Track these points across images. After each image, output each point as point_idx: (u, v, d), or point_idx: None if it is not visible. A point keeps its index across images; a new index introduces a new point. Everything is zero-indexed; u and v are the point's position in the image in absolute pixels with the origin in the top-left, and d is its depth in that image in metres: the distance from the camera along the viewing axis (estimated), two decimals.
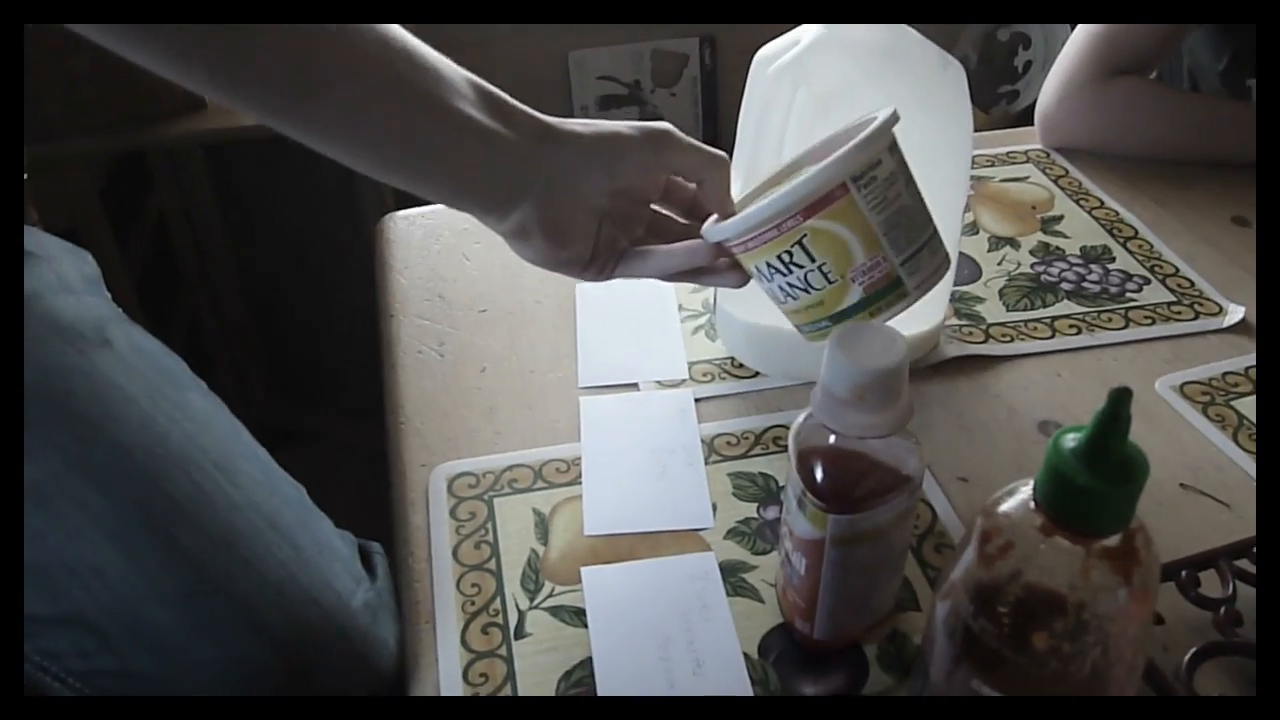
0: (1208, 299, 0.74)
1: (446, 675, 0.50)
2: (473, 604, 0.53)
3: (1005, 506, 0.34)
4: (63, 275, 0.57)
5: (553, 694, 0.49)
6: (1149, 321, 0.72)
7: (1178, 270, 0.77)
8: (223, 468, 0.52)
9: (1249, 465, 0.61)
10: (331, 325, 1.69)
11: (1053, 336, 0.71)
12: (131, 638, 0.49)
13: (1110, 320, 0.72)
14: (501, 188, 0.49)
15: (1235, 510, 0.58)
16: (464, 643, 0.52)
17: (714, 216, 0.54)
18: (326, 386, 1.75)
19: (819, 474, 0.45)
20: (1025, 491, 0.34)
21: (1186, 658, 0.49)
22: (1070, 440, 0.32)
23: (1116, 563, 0.32)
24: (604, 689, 0.49)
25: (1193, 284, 0.76)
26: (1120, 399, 0.30)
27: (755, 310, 0.64)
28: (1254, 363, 0.68)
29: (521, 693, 0.49)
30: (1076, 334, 0.71)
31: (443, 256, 0.81)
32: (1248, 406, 0.65)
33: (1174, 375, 0.67)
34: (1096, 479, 0.31)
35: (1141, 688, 0.49)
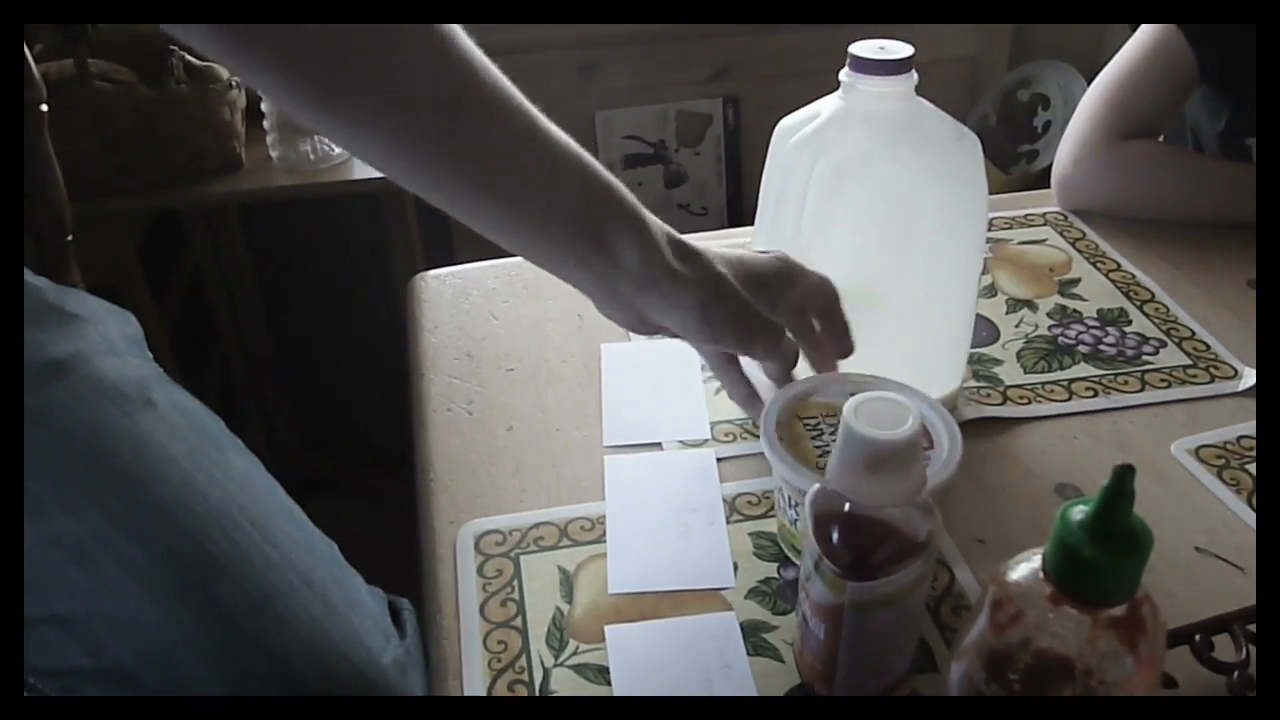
0: (1223, 362, 0.75)
1: None
2: (499, 661, 0.55)
3: (1015, 575, 0.35)
4: (107, 337, 0.59)
5: None
6: (1165, 385, 0.73)
7: (1194, 334, 0.78)
8: (260, 526, 0.54)
9: None
10: (360, 380, 1.73)
11: (1070, 399, 0.72)
12: (169, 689, 0.50)
13: (1126, 383, 0.73)
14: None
15: (1250, 574, 0.59)
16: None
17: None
18: (355, 439, 1.78)
19: (836, 541, 0.46)
20: (1035, 560, 0.35)
21: None
22: (1077, 513, 0.33)
23: (1123, 631, 0.34)
24: None
25: (1208, 347, 0.77)
26: (1124, 475, 0.32)
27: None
28: None
29: None
30: (1093, 396, 0.72)
31: (471, 315, 0.83)
32: None
33: (1189, 439, 0.68)
34: (1102, 551, 0.32)
35: None
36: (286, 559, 0.53)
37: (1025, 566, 0.35)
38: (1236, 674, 0.52)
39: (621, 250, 0.50)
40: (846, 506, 0.46)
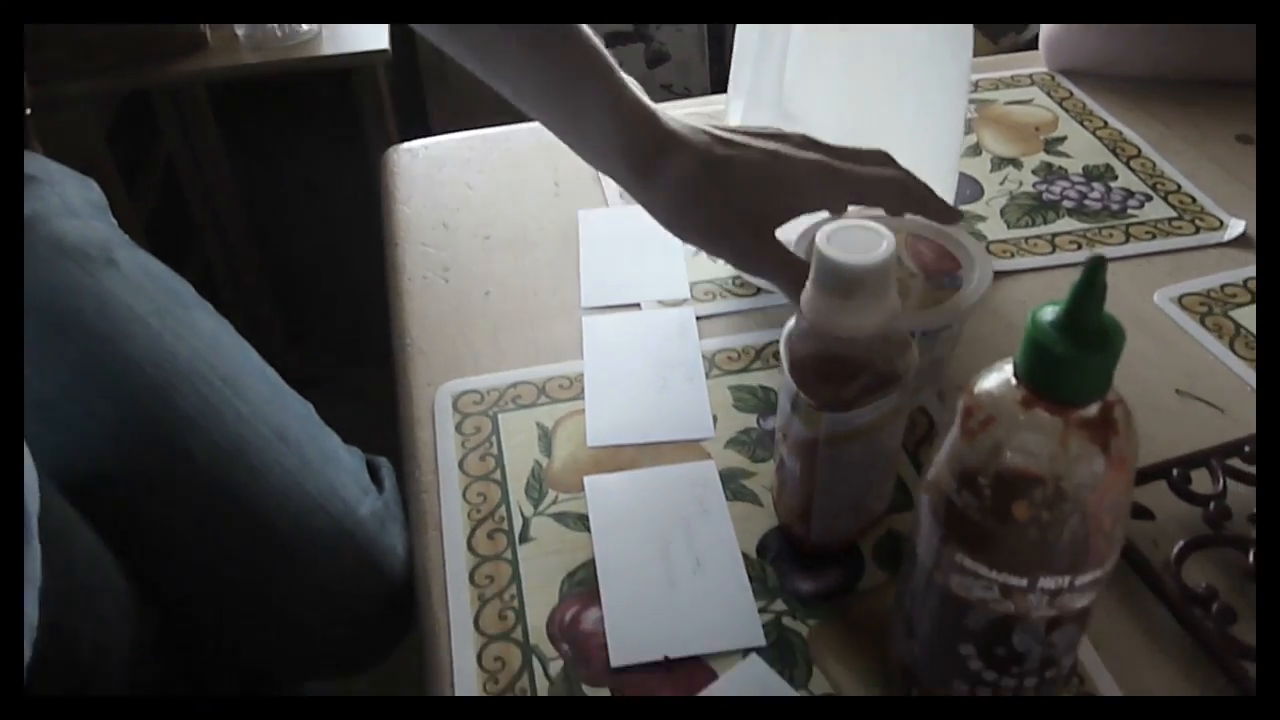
0: (1209, 214, 0.74)
1: (454, 578, 0.52)
2: (478, 512, 0.55)
3: (986, 383, 0.35)
4: (67, 199, 0.58)
5: (556, 594, 0.50)
6: (1149, 237, 0.72)
7: (1179, 187, 0.77)
8: (231, 382, 0.53)
9: (1245, 372, 0.61)
10: (344, 272, 1.70)
11: (1053, 252, 0.71)
12: (139, 541, 0.50)
13: (1110, 236, 0.72)
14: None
15: (1230, 414, 0.59)
16: (470, 548, 0.53)
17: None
18: (339, 331, 1.76)
19: (811, 374, 0.46)
20: (1006, 369, 0.35)
21: (1175, 550, 0.50)
22: (1048, 313, 0.32)
23: (1094, 432, 0.33)
24: (605, 587, 0.50)
25: (1194, 200, 0.76)
26: (1095, 268, 0.31)
27: None
28: (1252, 274, 0.68)
29: (526, 593, 0.50)
30: (1076, 249, 0.71)
31: (446, 186, 0.81)
32: (1245, 316, 0.65)
33: (1173, 288, 0.68)
34: (1073, 348, 0.32)
35: (1128, 576, 0.50)
36: (259, 414, 0.53)
37: (996, 375, 0.35)
38: (1212, 505, 0.52)
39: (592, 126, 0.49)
40: (822, 339, 0.46)
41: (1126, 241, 0.72)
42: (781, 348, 0.47)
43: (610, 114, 0.51)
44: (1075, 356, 0.32)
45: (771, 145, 0.52)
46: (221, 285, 1.59)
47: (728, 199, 0.51)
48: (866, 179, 0.52)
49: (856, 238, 0.43)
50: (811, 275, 0.44)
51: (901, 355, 0.46)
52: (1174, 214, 0.74)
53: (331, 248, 1.69)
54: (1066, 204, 0.76)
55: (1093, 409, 0.33)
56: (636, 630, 0.49)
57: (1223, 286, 0.68)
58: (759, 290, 0.68)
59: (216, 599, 0.51)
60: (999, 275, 0.69)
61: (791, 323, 0.47)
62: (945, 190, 0.66)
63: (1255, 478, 0.53)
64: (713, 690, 0.46)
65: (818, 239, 0.43)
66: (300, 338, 1.76)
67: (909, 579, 0.41)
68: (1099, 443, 0.33)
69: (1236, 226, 0.72)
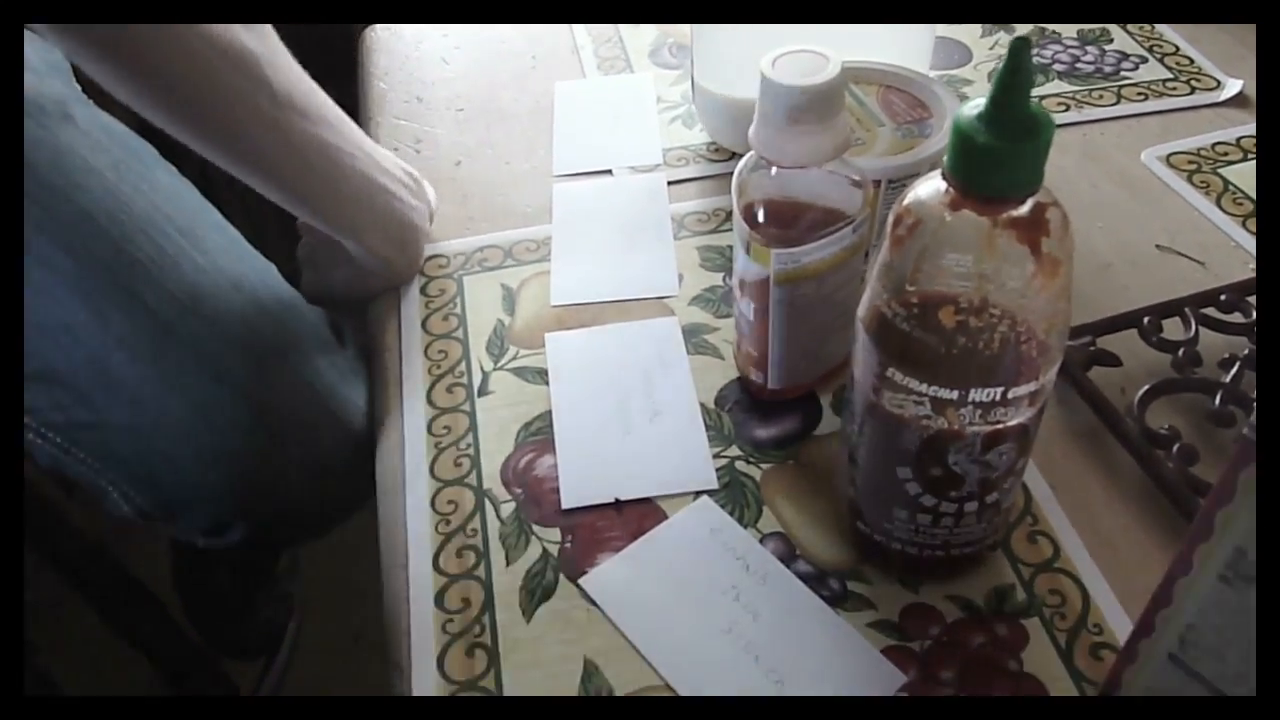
0: (1206, 75, 0.71)
1: (411, 429, 0.52)
2: (439, 367, 0.55)
3: (918, 191, 0.34)
4: (25, 57, 0.57)
5: (512, 442, 0.50)
6: (1141, 98, 0.70)
7: (1178, 49, 0.74)
8: (188, 234, 0.53)
9: (1230, 227, 0.60)
10: None
11: None
12: (103, 391, 0.51)
13: (1101, 97, 0.70)
14: None
15: (1210, 269, 0.57)
16: (429, 400, 0.53)
17: None
18: None
19: (761, 212, 0.45)
20: (937, 178, 0.33)
21: (1140, 393, 0.49)
22: (974, 106, 0.31)
23: (1023, 232, 0.32)
24: (560, 434, 0.50)
25: (1192, 61, 0.73)
26: (1019, 50, 0.29)
27: (733, 85, 0.63)
28: (1246, 133, 0.66)
29: (482, 442, 0.50)
30: (1064, 111, 0.69)
31: (422, 62, 0.80)
32: (1235, 174, 0.63)
33: (1161, 147, 0.66)
34: (998, 137, 0.30)
35: (1092, 420, 0.49)
36: (215, 265, 0.53)
37: (928, 185, 0.34)
38: (1182, 351, 0.51)
39: None
40: (773, 174, 0.45)
41: (1117, 103, 0.69)
42: (733, 187, 0.46)
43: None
44: (1000, 147, 0.31)
45: None
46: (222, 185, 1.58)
47: None
48: None
49: (803, 62, 0.42)
50: (758, 104, 0.43)
51: (851, 194, 0.45)
52: (1169, 75, 0.72)
53: None
54: (1058, 67, 0.73)
55: (1023, 209, 0.32)
56: (589, 474, 0.48)
57: (1214, 145, 0.65)
58: (733, 155, 0.67)
59: (173, 444, 0.52)
60: None
61: (742, 163, 0.46)
62: (920, 53, 0.64)
63: (1233, 326, 0.52)
64: (662, 529, 0.46)
65: (762, 64, 0.42)
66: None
67: (851, 406, 0.40)
68: (1028, 243, 0.32)
69: (1234, 86, 0.70)
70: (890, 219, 0.34)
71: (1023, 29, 0.77)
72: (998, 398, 0.35)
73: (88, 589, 0.78)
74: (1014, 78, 0.30)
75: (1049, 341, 0.34)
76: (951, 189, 0.32)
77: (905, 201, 0.34)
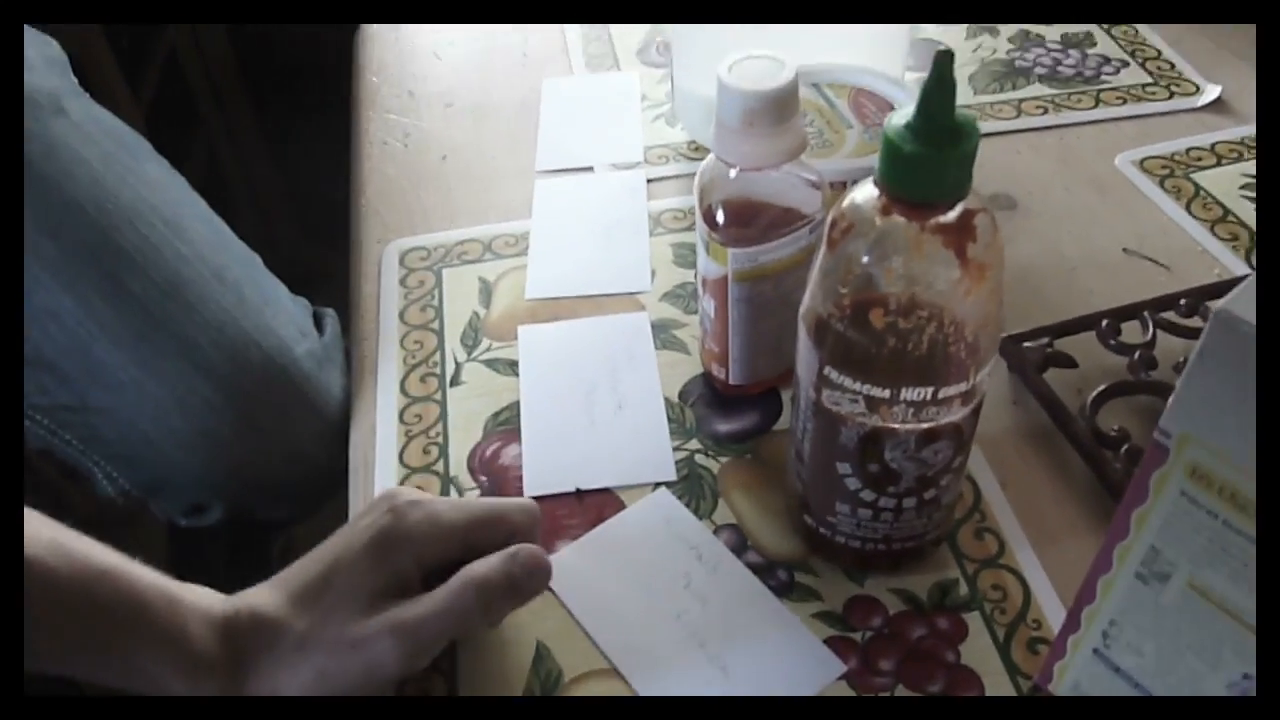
0: (1185, 80, 0.72)
1: (384, 417, 0.53)
2: (414, 357, 0.56)
3: (855, 195, 0.35)
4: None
5: (480, 432, 0.52)
6: (1120, 102, 0.70)
7: (1160, 53, 0.75)
8: (173, 225, 0.55)
9: (1197, 232, 0.60)
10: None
11: (1018, 116, 0.70)
12: (86, 375, 0.52)
13: (1080, 101, 0.71)
14: None
15: (1175, 273, 0.58)
16: (403, 389, 0.54)
17: None
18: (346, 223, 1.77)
19: (720, 212, 0.46)
20: (871, 183, 0.35)
21: (1092, 395, 0.50)
22: (901, 114, 0.32)
23: (950, 237, 0.33)
24: (527, 424, 0.52)
25: (1173, 65, 0.73)
26: (942, 62, 0.30)
27: (711, 85, 0.64)
28: (1221, 138, 0.67)
29: (451, 431, 0.52)
30: (1043, 114, 0.70)
31: (414, 57, 0.81)
32: (1206, 179, 0.64)
33: (1135, 151, 0.66)
34: (923, 145, 0.32)
35: (1047, 424, 0.50)
36: (198, 254, 0.54)
37: (863, 190, 0.35)
38: (1138, 354, 0.52)
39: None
40: (732, 175, 0.46)
41: (1095, 106, 0.70)
42: (694, 188, 0.47)
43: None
44: (925, 154, 0.32)
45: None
46: (232, 181, 1.60)
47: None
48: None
49: (759, 68, 0.43)
50: (716, 107, 0.44)
51: (810, 196, 0.46)
52: (1149, 80, 0.72)
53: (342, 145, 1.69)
54: (1039, 70, 0.74)
55: (951, 215, 0.33)
56: (553, 464, 0.50)
57: (1188, 150, 0.66)
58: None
59: (151, 426, 0.54)
60: None
61: (703, 164, 0.47)
62: (893, 56, 0.65)
63: (1191, 331, 0.53)
64: (618, 518, 0.47)
65: (719, 70, 0.43)
66: (316, 233, 1.77)
67: (797, 403, 0.41)
68: (954, 247, 0.33)
69: (1212, 91, 0.70)
70: (828, 222, 0.36)
71: (1007, 30, 0.78)
72: (928, 397, 0.36)
73: None
74: (938, 87, 0.31)
75: (979, 343, 0.36)
76: (883, 195, 0.34)
77: (841, 206, 0.35)
